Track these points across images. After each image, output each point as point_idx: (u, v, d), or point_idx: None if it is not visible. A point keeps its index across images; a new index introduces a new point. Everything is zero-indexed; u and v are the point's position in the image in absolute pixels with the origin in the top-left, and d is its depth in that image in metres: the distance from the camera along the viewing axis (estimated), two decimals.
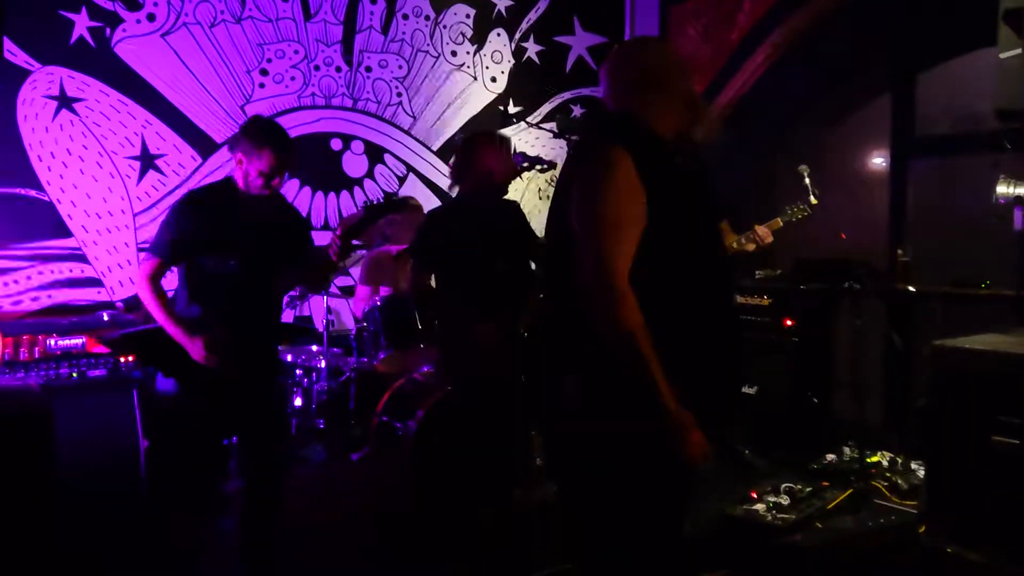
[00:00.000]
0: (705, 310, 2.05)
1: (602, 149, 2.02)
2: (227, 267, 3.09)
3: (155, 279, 3.03)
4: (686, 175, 2.09)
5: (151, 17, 4.60)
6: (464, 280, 3.69)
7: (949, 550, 3.28)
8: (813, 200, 4.48)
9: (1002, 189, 3.57)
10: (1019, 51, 3.15)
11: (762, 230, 4.40)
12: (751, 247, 4.42)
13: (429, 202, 5.47)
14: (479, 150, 3.69)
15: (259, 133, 3.12)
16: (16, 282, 4.32)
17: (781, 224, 4.49)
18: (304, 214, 5.12)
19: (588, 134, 2.38)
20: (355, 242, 3.41)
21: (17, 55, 4.23)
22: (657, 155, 2.04)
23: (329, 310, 4.57)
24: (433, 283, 3.89)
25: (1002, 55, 3.25)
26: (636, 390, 1.91)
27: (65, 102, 4.40)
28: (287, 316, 4.95)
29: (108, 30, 4.49)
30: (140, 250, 4.57)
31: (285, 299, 4.11)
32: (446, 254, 3.69)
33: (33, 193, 4.35)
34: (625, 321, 1.90)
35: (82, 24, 4.42)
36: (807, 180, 4.52)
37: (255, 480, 3.21)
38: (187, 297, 3.13)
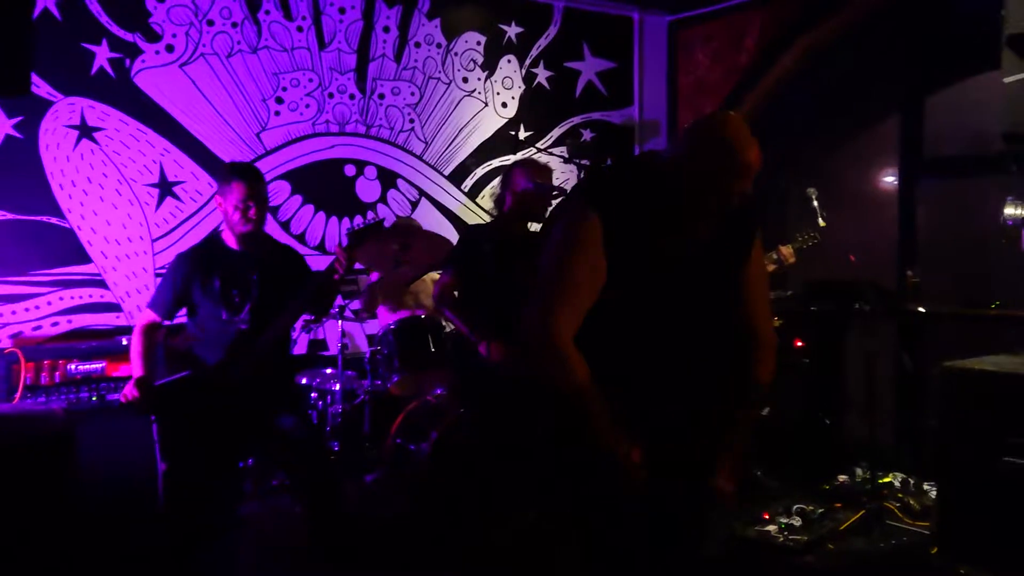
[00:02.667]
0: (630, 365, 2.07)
1: (578, 206, 2.04)
2: (238, 315, 3.25)
3: (149, 332, 3.34)
4: (673, 253, 2.05)
5: (170, 48, 4.70)
6: (484, 297, 3.77)
7: (962, 571, 3.29)
8: (821, 223, 4.52)
9: (1010, 211, 3.60)
10: (1023, 75, 3.19)
11: (786, 250, 4.43)
12: (772, 267, 4.45)
13: (440, 226, 5.54)
14: (514, 175, 3.85)
15: (226, 171, 3.38)
16: (37, 307, 4.40)
17: (793, 250, 4.53)
18: (318, 239, 5.19)
19: (583, 181, 2.40)
20: (357, 265, 3.55)
21: (40, 86, 4.32)
22: (639, 223, 2.01)
23: (344, 333, 4.63)
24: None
25: (1006, 80, 3.30)
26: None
27: (86, 131, 4.49)
28: (302, 340, 5.01)
29: (128, 61, 4.59)
30: (158, 275, 4.64)
31: (298, 325, 4.20)
32: (475, 268, 3.82)
33: (54, 220, 4.43)
34: (570, 382, 1.96)
35: (103, 55, 4.52)
36: (815, 203, 4.56)
37: (307, 488, 3.42)
38: (198, 347, 3.30)
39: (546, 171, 3.91)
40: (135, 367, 3.31)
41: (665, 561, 2.17)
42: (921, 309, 4.79)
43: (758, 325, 2.24)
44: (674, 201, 2.03)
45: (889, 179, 5.40)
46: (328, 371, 4.73)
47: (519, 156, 5.84)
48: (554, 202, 3.82)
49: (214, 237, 3.42)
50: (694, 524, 2.22)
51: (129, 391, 3.25)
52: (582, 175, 4.22)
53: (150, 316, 3.36)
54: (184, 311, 3.42)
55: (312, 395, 4.59)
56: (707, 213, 2.04)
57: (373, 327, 5.05)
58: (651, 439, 2.05)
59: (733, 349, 2.18)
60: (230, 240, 3.36)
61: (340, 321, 4.62)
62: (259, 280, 3.33)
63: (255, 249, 3.37)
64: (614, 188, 2.09)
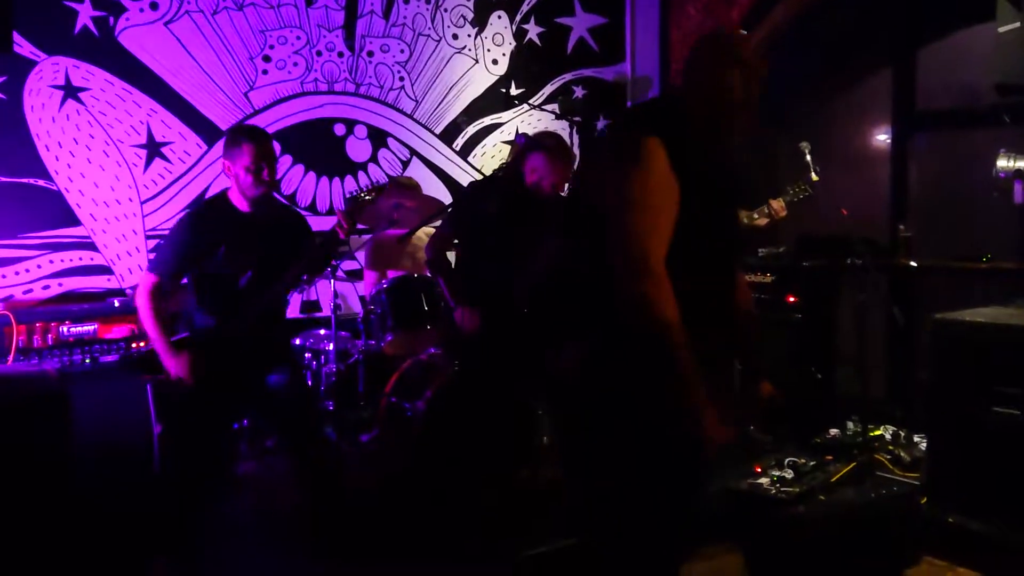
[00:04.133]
0: (705, 299, 2.04)
1: (637, 138, 2.00)
2: (241, 277, 3.23)
3: (154, 295, 3.22)
4: (712, 170, 2.09)
5: (154, 6, 4.63)
6: (480, 260, 3.78)
7: (951, 520, 3.34)
8: (814, 177, 4.51)
9: (1002, 163, 3.60)
10: (1018, 25, 3.17)
11: (777, 204, 4.44)
12: (763, 222, 4.46)
13: (432, 185, 5.51)
14: (530, 153, 3.77)
15: (234, 134, 3.32)
16: (27, 271, 4.38)
17: (784, 204, 4.53)
18: (309, 199, 5.16)
19: (624, 118, 2.41)
20: (360, 225, 3.53)
21: (23, 46, 4.26)
22: (690, 146, 2.03)
23: (336, 294, 4.62)
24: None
25: (1000, 29, 3.28)
26: (651, 370, 1.92)
27: (71, 92, 4.44)
28: (295, 301, 5.01)
29: (112, 19, 4.52)
30: (148, 238, 4.62)
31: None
32: (475, 228, 3.84)
33: (41, 183, 4.40)
34: (662, 315, 1.87)
35: (86, 14, 4.45)
36: (808, 157, 4.55)
37: (296, 451, 3.42)
38: (196, 304, 3.26)
39: (567, 156, 3.82)
40: (157, 342, 3.19)
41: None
42: (913, 263, 4.80)
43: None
44: (700, 122, 2.09)
45: (881, 134, 5.38)
46: (322, 331, 4.74)
47: (511, 114, 5.79)
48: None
49: (221, 197, 3.35)
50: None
51: (176, 370, 3.17)
52: (606, 124, 4.15)
53: (152, 280, 3.23)
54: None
55: (306, 355, 4.60)
56: (728, 127, 2.11)
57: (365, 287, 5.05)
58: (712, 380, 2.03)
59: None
60: (239, 202, 3.29)
61: (333, 281, 4.61)
62: (264, 243, 3.30)
63: (263, 211, 3.32)
64: (659, 117, 2.12)
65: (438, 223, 4.33)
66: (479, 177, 5.54)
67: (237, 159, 3.20)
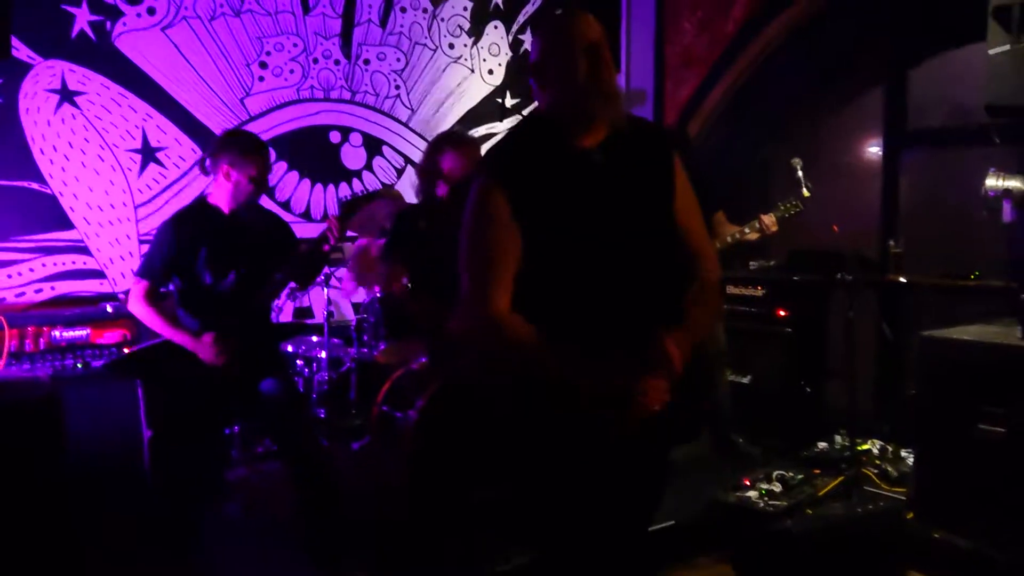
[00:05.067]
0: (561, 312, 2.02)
1: (476, 182, 2.03)
2: (223, 280, 3.24)
3: (149, 299, 3.23)
4: (582, 174, 2.01)
5: (151, 11, 4.64)
6: (435, 278, 3.77)
7: (936, 535, 3.37)
8: (805, 193, 4.55)
9: (991, 182, 3.63)
10: (1007, 47, 3.21)
11: (768, 219, 4.47)
12: (754, 236, 4.49)
13: None
14: (441, 152, 3.74)
15: (242, 140, 3.35)
16: (20, 274, 4.38)
17: (775, 219, 4.57)
18: (303, 206, 5.17)
19: (483, 157, 2.36)
20: (350, 232, 3.54)
21: (20, 49, 4.26)
22: (538, 172, 1.99)
23: (329, 301, 4.63)
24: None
25: (991, 51, 3.31)
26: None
27: (67, 96, 4.44)
28: (288, 308, 5.02)
29: (109, 24, 4.52)
30: (142, 242, 4.62)
31: (284, 293, 4.21)
32: (416, 253, 3.77)
33: (35, 186, 4.39)
34: (516, 347, 1.97)
35: (83, 18, 4.46)
36: (799, 173, 4.59)
37: (290, 457, 3.43)
38: (183, 310, 3.28)
39: (469, 139, 3.83)
40: (176, 336, 3.21)
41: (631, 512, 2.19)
42: (902, 279, 4.85)
43: (695, 243, 2.18)
44: (549, 120, 2.04)
45: (873, 150, 5.43)
46: (314, 339, 4.74)
47: (507, 123, 5.83)
48: None
49: (202, 201, 3.38)
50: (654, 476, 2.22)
51: (207, 355, 3.19)
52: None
53: (144, 285, 3.26)
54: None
55: (298, 363, 4.60)
56: (583, 119, 2.01)
57: (359, 295, 5.05)
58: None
59: (672, 280, 2.11)
60: (223, 205, 3.32)
61: (326, 289, 4.62)
62: (247, 246, 3.33)
63: (245, 215, 3.35)
64: (503, 148, 2.15)
65: None
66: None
67: (243, 167, 3.23)
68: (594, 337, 2.00)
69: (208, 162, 3.30)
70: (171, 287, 3.40)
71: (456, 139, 3.79)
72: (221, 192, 3.29)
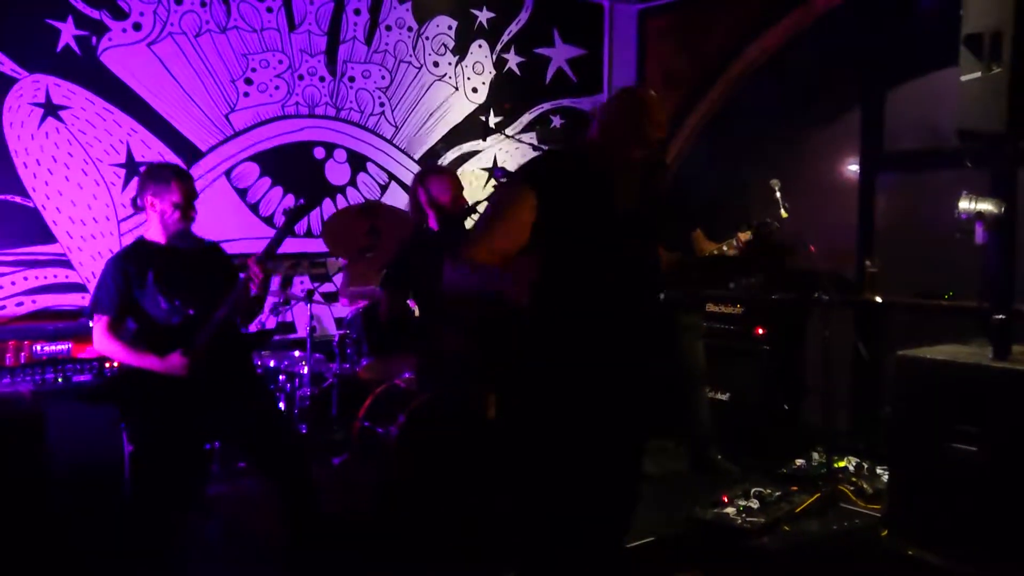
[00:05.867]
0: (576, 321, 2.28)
1: (515, 181, 2.33)
2: (173, 313, 3.24)
3: (112, 332, 3.23)
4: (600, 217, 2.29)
5: (137, 26, 4.66)
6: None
7: (910, 552, 3.42)
8: (783, 214, 4.62)
9: (964, 205, 3.70)
10: (978, 75, 3.28)
11: (744, 237, 4.52)
12: (732, 253, 4.54)
13: None
14: (427, 183, 3.87)
15: (160, 171, 3.37)
16: (1, 287, 4.36)
17: (752, 237, 4.62)
18: None
19: (521, 167, 2.59)
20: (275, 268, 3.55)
21: (4, 63, 4.27)
22: (569, 191, 2.27)
23: (312, 316, 4.65)
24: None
25: (963, 78, 3.38)
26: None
27: (51, 110, 4.45)
28: (270, 322, 5.03)
29: (94, 39, 4.54)
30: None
31: (267, 307, 4.21)
32: (419, 282, 3.87)
33: (18, 199, 4.39)
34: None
35: (68, 33, 4.47)
36: (778, 194, 4.66)
37: (279, 475, 3.41)
38: (137, 336, 3.28)
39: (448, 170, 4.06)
40: (146, 361, 3.19)
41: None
42: (878, 299, 4.93)
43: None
44: (599, 163, 2.32)
45: (850, 171, 5.52)
46: (296, 354, 4.75)
47: (489, 141, 5.89)
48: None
49: (140, 240, 3.38)
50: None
51: (177, 367, 3.19)
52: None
53: (104, 319, 3.23)
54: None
55: (280, 377, 4.61)
56: (630, 171, 2.32)
57: (341, 310, 5.08)
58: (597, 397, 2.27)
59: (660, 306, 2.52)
60: (157, 238, 3.33)
61: (309, 304, 4.63)
62: (189, 275, 3.33)
63: (185, 245, 3.36)
64: (545, 167, 2.38)
65: None
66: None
67: (164, 196, 3.26)
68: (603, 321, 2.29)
69: (137, 200, 3.32)
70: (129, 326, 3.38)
71: (436, 167, 4.02)
72: (154, 226, 3.31)
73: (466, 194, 3.99)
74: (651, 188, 2.39)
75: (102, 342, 3.24)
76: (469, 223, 3.77)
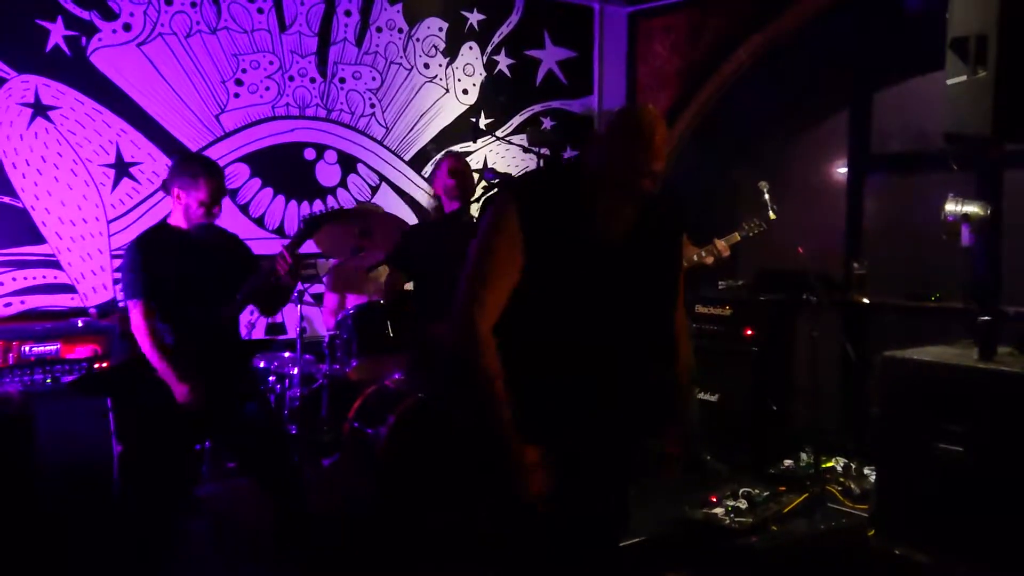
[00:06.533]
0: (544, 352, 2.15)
1: (500, 200, 2.16)
2: (188, 303, 3.26)
3: (149, 318, 3.23)
4: (587, 245, 2.14)
5: (127, 27, 4.65)
6: (433, 289, 3.87)
7: (897, 551, 3.45)
8: (772, 215, 4.66)
9: (951, 207, 3.74)
10: (964, 78, 3.31)
11: (720, 244, 4.58)
12: (710, 260, 4.59)
13: (400, 212, 5.56)
14: (439, 167, 4.09)
15: (191, 165, 3.38)
16: None
17: (739, 239, 4.67)
18: (277, 223, 5.19)
19: (509, 181, 2.50)
20: (306, 261, 3.61)
21: None
22: (558, 215, 2.13)
23: (302, 317, 4.64)
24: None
25: (949, 81, 3.41)
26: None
27: (40, 110, 4.44)
28: (260, 324, 5.03)
29: (84, 39, 4.53)
30: (114, 257, 4.62)
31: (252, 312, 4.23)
32: (418, 263, 4.00)
33: (7, 200, 4.38)
34: (481, 367, 2.05)
35: (58, 33, 4.46)
36: (766, 196, 4.70)
37: (270, 479, 3.42)
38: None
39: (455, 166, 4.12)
40: (165, 372, 3.18)
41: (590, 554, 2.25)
42: (865, 300, 4.96)
43: (679, 318, 2.39)
44: (594, 189, 2.16)
45: (838, 173, 5.56)
46: (286, 355, 4.75)
47: (480, 143, 5.90)
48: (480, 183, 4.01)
49: (163, 223, 3.42)
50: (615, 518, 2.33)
51: (183, 397, 3.19)
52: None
53: (140, 304, 3.23)
54: None
55: (270, 379, 4.61)
56: (626, 200, 2.16)
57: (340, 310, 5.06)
58: (567, 431, 2.14)
59: (659, 341, 2.29)
60: (180, 224, 3.36)
61: (299, 305, 4.63)
62: (208, 263, 3.36)
63: (206, 234, 3.38)
64: (534, 184, 2.28)
65: None
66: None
67: (192, 191, 3.28)
68: (568, 367, 2.14)
69: (167, 185, 3.35)
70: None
71: (453, 152, 4.28)
72: (177, 213, 3.34)
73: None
74: (651, 221, 2.22)
75: (138, 328, 3.23)
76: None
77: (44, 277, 4.50)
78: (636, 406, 2.25)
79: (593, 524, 2.23)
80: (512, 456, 2.03)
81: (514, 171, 5.91)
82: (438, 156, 4.21)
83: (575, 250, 2.13)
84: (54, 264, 4.53)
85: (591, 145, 2.20)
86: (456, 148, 5.82)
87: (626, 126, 2.13)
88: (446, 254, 3.76)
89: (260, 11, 5.05)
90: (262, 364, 4.66)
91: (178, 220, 3.36)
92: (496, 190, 2.39)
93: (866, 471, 4.48)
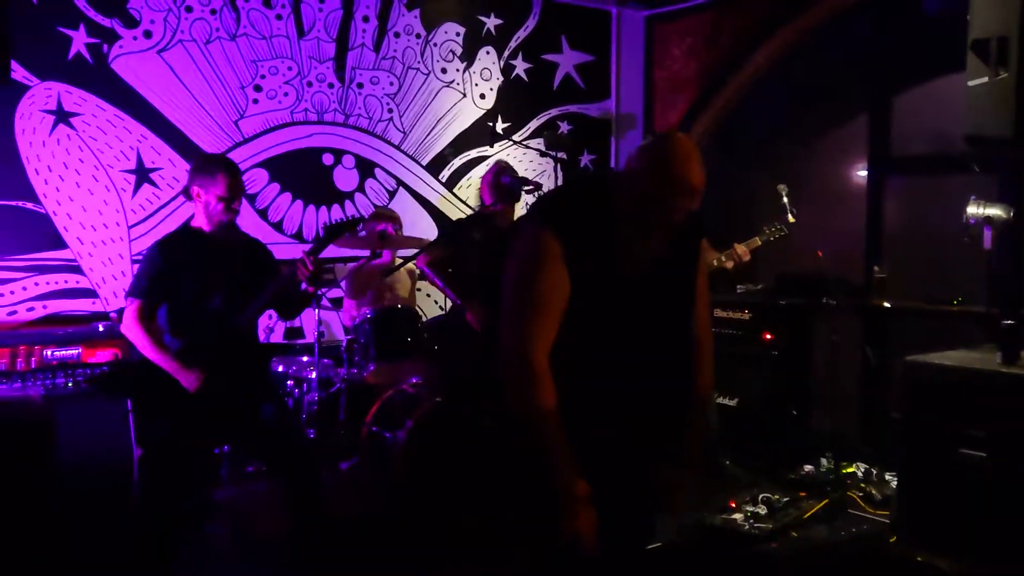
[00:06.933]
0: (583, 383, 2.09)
1: (536, 233, 2.08)
2: (208, 304, 3.29)
3: (142, 319, 3.29)
4: (617, 274, 2.11)
5: (148, 34, 4.70)
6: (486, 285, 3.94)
7: (919, 558, 3.41)
8: (791, 219, 4.64)
9: (972, 210, 3.71)
10: (985, 79, 3.28)
11: (740, 249, 4.56)
12: (729, 264, 4.57)
13: (418, 216, 5.58)
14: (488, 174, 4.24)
15: (209, 163, 3.45)
16: (12, 293, 4.39)
17: (759, 243, 4.65)
18: (296, 227, 5.21)
19: (539, 204, 2.42)
20: (325, 266, 3.65)
21: (16, 70, 4.30)
22: (596, 247, 2.08)
23: (320, 321, 4.66)
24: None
25: (970, 83, 3.38)
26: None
27: (62, 117, 4.48)
28: (279, 328, 5.05)
29: (105, 46, 4.58)
30: (134, 262, 4.65)
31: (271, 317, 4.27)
32: (468, 260, 4.19)
33: (30, 205, 4.42)
34: (535, 404, 1.99)
35: (80, 40, 4.51)
36: (785, 199, 4.68)
37: (291, 480, 3.42)
38: (169, 332, 3.32)
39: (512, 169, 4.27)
40: (165, 363, 3.24)
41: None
42: (886, 304, 4.92)
43: (703, 335, 2.35)
44: (626, 221, 2.11)
45: (857, 176, 5.51)
46: (304, 359, 4.77)
47: (497, 147, 5.91)
48: (524, 194, 4.03)
49: (186, 225, 3.48)
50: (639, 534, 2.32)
51: (191, 385, 3.24)
52: (535, 199, 4.39)
53: (136, 303, 3.30)
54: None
55: (288, 383, 4.62)
56: (657, 231, 2.12)
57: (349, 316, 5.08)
58: (600, 452, 2.11)
59: (683, 358, 2.28)
60: (202, 226, 3.41)
61: (317, 309, 4.65)
62: (229, 266, 3.40)
63: (227, 236, 3.43)
64: (569, 209, 2.16)
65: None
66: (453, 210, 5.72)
67: (210, 187, 3.33)
68: (602, 399, 2.11)
69: (188, 189, 3.40)
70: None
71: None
72: (199, 213, 3.39)
73: (474, 201, 4.15)
74: (681, 250, 2.20)
75: (128, 326, 3.31)
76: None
77: (66, 282, 4.55)
78: (665, 431, 2.24)
79: (622, 540, 2.22)
80: (566, 496, 1.99)
81: (531, 175, 5.91)
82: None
83: (611, 279, 2.10)
84: (75, 269, 4.57)
85: (624, 180, 2.12)
86: (473, 152, 5.85)
87: (661, 172, 2.05)
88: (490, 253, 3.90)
89: (279, 17, 5.08)
90: (280, 368, 4.68)
91: (200, 221, 3.40)
92: (530, 217, 2.29)
93: (887, 477, 4.43)
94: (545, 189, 5.24)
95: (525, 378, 2.01)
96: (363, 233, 4.68)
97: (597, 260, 2.08)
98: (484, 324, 3.81)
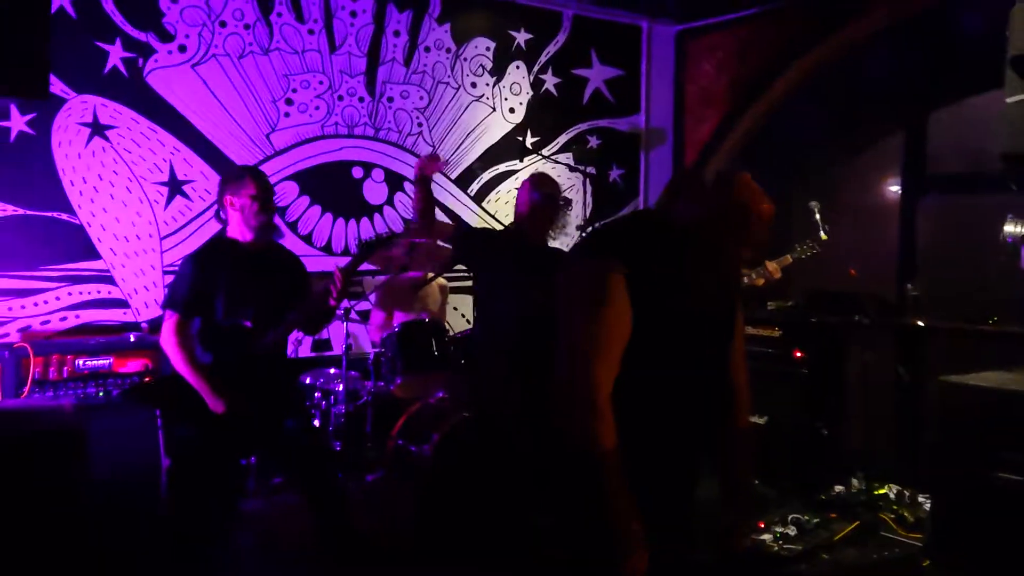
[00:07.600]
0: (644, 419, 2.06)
1: (599, 271, 2.01)
2: (239, 319, 3.30)
3: (180, 333, 3.28)
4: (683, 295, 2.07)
5: (182, 48, 4.76)
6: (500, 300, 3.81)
7: None
8: (823, 236, 4.59)
9: (1009, 228, 3.63)
10: None
11: (772, 266, 4.52)
12: (760, 282, 4.53)
13: None
14: (522, 189, 3.82)
15: (234, 171, 3.55)
16: (46, 302, 4.46)
17: (791, 260, 4.61)
18: (325, 240, 5.25)
19: (595, 237, 2.39)
20: (352, 279, 3.61)
21: (54, 84, 4.38)
22: (664, 274, 2.04)
23: (348, 334, 4.68)
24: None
25: (1008, 100, 3.32)
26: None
27: (98, 129, 4.55)
28: (307, 341, 5.07)
29: (141, 60, 4.65)
30: (166, 273, 4.71)
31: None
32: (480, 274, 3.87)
33: (64, 216, 4.49)
34: (600, 445, 1.94)
35: (116, 55, 4.58)
36: (817, 216, 4.63)
37: (313, 494, 3.47)
38: (201, 347, 3.33)
39: (551, 182, 3.94)
40: (198, 384, 3.24)
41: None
42: (920, 323, 4.84)
43: (738, 378, 2.37)
44: (699, 251, 2.08)
45: (891, 193, 5.45)
46: (332, 371, 4.79)
47: (526, 161, 5.91)
48: (559, 211, 3.84)
49: (221, 236, 3.48)
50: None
51: (218, 409, 3.26)
52: (591, 231, 4.21)
53: (175, 317, 3.30)
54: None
55: (316, 394, 4.64)
56: (725, 262, 2.12)
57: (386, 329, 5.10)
58: (657, 486, 2.10)
59: (723, 398, 2.30)
60: (241, 236, 3.40)
61: (345, 322, 4.67)
62: (264, 279, 3.40)
63: (266, 247, 3.43)
64: (636, 240, 2.11)
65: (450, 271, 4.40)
66: (483, 224, 5.68)
67: (242, 190, 3.35)
68: (667, 425, 2.11)
69: (218, 209, 3.42)
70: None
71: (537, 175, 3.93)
72: (234, 224, 3.40)
73: (503, 216, 4.03)
74: (727, 280, 2.23)
75: (166, 340, 3.31)
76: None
77: (98, 292, 4.60)
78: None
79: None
80: (625, 537, 1.96)
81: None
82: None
83: (679, 310, 2.07)
84: (108, 279, 4.62)
85: (698, 211, 2.09)
86: (502, 167, 5.85)
87: (742, 203, 2.05)
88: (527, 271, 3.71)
89: (311, 32, 5.14)
90: (308, 380, 4.70)
91: (236, 231, 3.40)
92: (587, 248, 2.23)
93: (920, 499, 4.34)
94: (575, 204, 5.15)
95: (590, 419, 1.95)
96: (395, 251, 4.67)
97: (666, 291, 2.03)
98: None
